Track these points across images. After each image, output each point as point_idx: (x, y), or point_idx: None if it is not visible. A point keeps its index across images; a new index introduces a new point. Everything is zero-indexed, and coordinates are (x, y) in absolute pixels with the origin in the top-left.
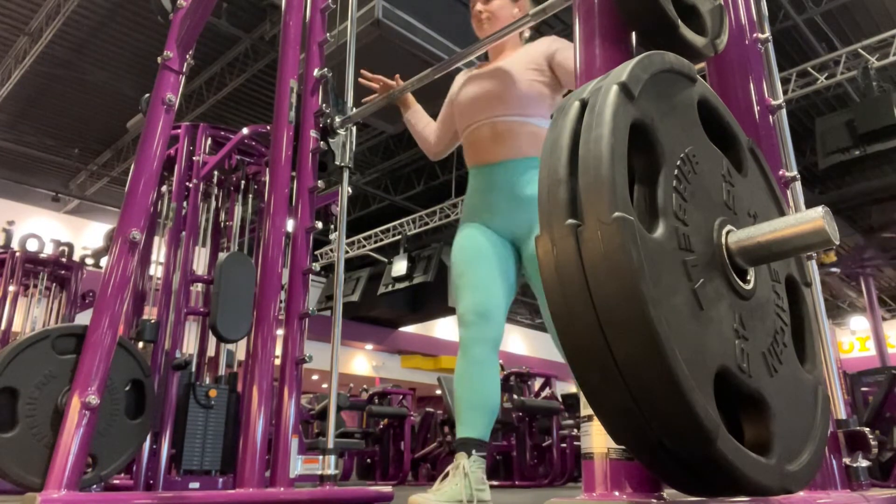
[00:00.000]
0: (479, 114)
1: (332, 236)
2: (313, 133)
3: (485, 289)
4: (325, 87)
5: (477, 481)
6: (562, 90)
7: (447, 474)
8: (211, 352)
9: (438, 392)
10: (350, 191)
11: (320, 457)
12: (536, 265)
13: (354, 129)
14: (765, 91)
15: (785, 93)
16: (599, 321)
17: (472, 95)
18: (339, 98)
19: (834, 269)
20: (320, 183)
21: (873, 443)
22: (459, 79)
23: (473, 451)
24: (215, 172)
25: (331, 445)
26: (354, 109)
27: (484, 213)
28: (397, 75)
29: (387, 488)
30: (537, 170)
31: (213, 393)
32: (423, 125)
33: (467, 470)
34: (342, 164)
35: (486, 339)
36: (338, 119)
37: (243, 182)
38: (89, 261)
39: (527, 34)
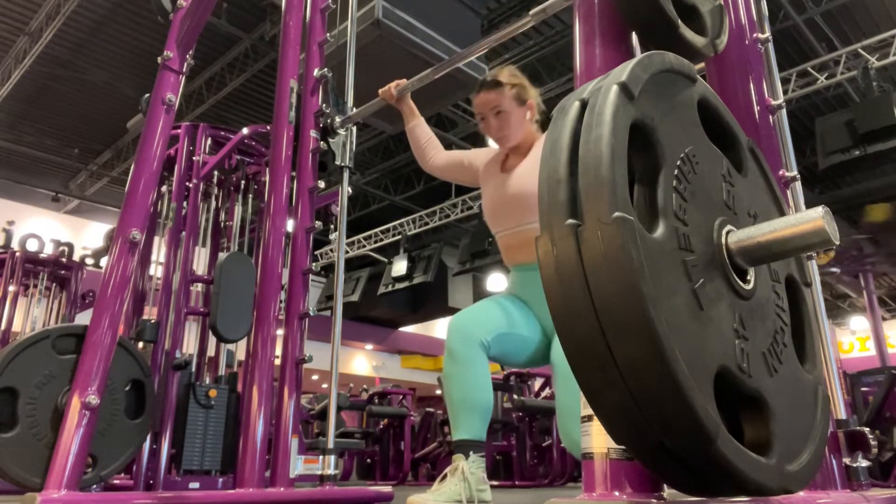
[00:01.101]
0: (507, 221)
1: (332, 236)
2: (313, 133)
3: (485, 315)
4: (325, 87)
5: (477, 481)
6: None
7: (445, 476)
8: (211, 352)
9: (438, 392)
10: (350, 191)
11: (320, 457)
12: (552, 359)
13: (354, 129)
14: (765, 91)
15: (785, 93)
16: (599, 321)
17: (499, 203)
18: (339, 98)
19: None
20: (320, 183)
21: (873, 443)
22: (483, 163)
23: (471, 453)
24: (215, 172)
25: (331, 445)
26: (354, 109)
27: (525, 297)
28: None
29: (387, 488)
30: None
31: (213, 393)
32: (426, 140)
33: (466, 472)
34: (342, 164)
35: (471, 339)
36: (338, 119)
37: (243, 182)
38: (89, 261)
39: (536, 115)
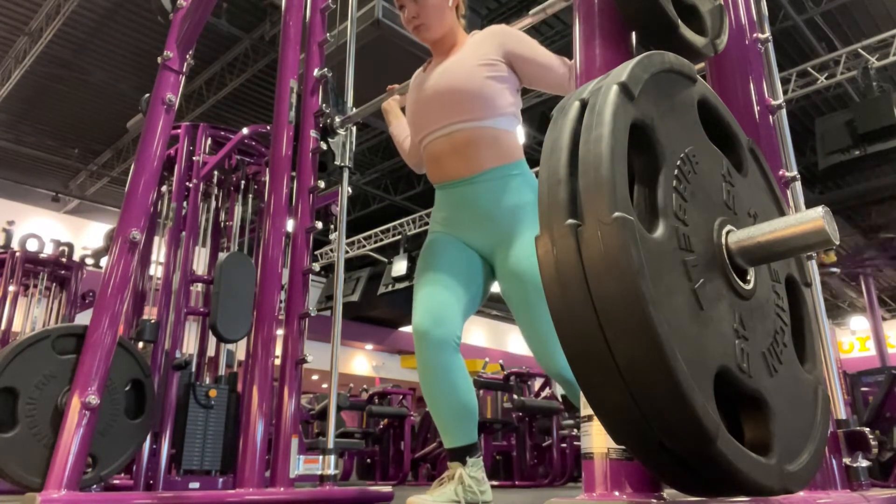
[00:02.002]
0: (432, 123)
1: (332, 236)
2: (313, 133)
3: (438, 297)
4: (325, 86)
5: (477, 483)
6: (519, 85)
7: (444, 480)
8: (211, 352)
9: None
10: (350, 191)
11: (320, 457)
12: (514, 276)
13: (354, 129)
14: (765, 91)
15: (785, 93)
16: (599, 321)
17: (423, 102)
18: (339, 98)
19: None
20: (320, 183)
21: (873, 443)
22: (411, 83)
23: (466, 458)
24: (215, 172)
25: (331, 445)
26: (354, 109)
27: (452, 226)
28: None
29: (387, 488)
30: (504, 180)
31: (213, 393)
32: (403, 137)
33: (465, 477)
34: (342, 164)
35: (441, 344)
36: (338, 119)
37: (243, 182)
38: (89, 261)
39: (463, 10)
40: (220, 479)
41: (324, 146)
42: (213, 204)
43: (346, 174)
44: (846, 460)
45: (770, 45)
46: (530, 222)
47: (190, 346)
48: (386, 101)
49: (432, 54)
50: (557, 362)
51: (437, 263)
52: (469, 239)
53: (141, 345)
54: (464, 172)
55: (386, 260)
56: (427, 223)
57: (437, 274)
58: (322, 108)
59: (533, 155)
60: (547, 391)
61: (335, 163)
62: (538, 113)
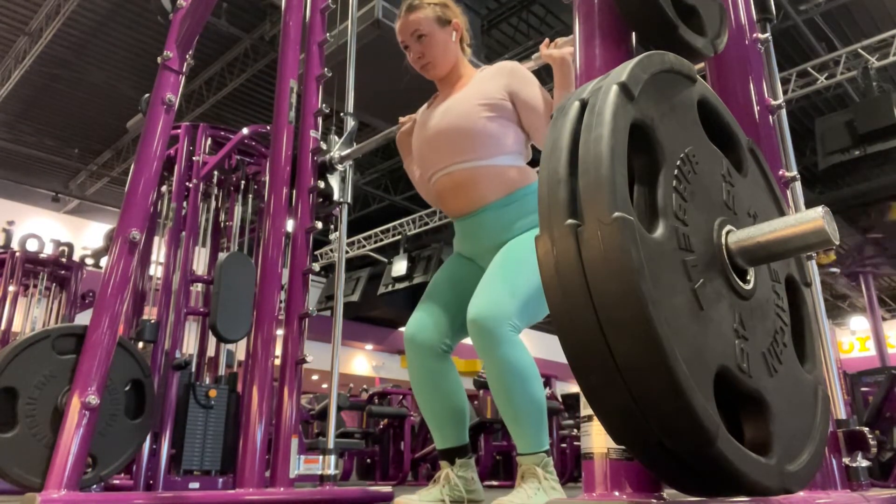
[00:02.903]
0: (437, 163)
1: (332, 236)
2: (313, 133)
3: (430, 307)
4: (320, 120)
5: (465, 482)
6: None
7: (437, 480)
8: (211, 352)
9: None
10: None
11: (320, 457)
12: (499, 252)
13: (351, 167)
14: (765, 91)
15: (785, 93)
16: (599, 321)
17: (427, 141)
18: (337, 129)
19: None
20: (318, 224)
21: (873, 443)
22: (417, 120)
23: (456, 459)
24: (215, 172)
25: (331, 445)
26: (353, 120)
27: (466, 251)
28: (410, 116)
29: (387, 488)
30: (508, 209)
31: (213, 393)
32: (418, 175)
33: (453, 478)
34: (341, 201)
35: (425, 349)
36: (336, 155)
37: (243, 182)
38: (89, 261)
39: (467, 40)
40: (220, 480)
41: (321, 185)
42: (213, 204)
43: (345, 210)
44: (846, 460)
45: (770, 45)
46: (529, 228)
47: (190, 346)
48: (398, 132)
49: (438, 89)
50: (478, 308)
51: (440, 278)
52: (481, 261)
53: (141, 345)
54: (466, 209)
55: (386, 260)
56: (427, 223)
57: (436, 288)
58: (320, 146)
59: (533, 155)
60: (547, 391)
61: (334, 199)
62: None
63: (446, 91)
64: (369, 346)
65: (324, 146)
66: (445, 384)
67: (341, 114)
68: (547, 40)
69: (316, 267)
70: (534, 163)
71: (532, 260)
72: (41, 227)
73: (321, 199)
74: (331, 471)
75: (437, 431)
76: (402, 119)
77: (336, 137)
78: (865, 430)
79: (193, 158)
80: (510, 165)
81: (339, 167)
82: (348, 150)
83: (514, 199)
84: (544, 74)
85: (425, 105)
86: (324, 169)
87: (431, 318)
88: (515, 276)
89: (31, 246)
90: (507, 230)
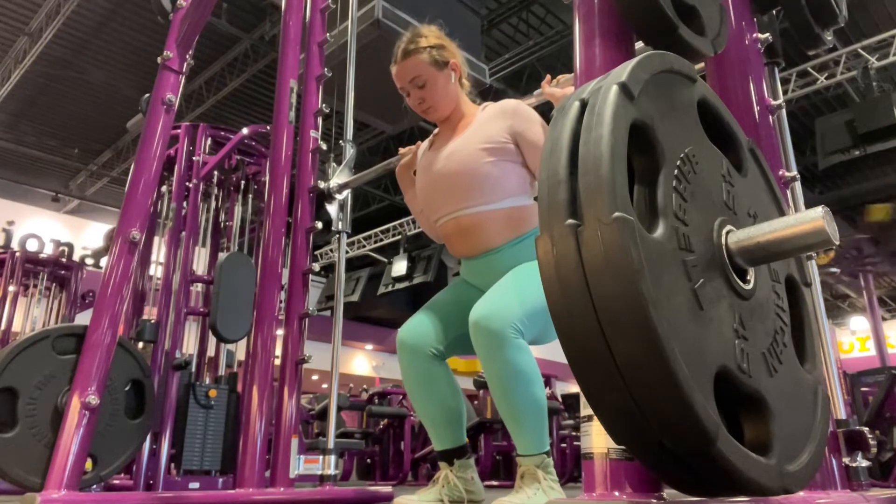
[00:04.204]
0: (442, 207)
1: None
2: (313, 133)
3: (424, 315)
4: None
5: (465, 482)
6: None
7: (435, 482)
8: (211, 352)
9: None
10: (347, 251)
11: (320, 457)
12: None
13: (350, 195)
14: (765, 91)
15: (785, 93)
16: (599, 321)
17: (431, 185)
18: (334, 157)
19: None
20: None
21: (873, 443)
22: (419, 162)
23: (454, 459)
24: (215, 172)
25: (331, 445)
26: (352, 149)
27: (472, 282)
28: (409, 148)
29: (387, 488)
30: (516, 248)
31: (213, 393)
32: (419, 210)
33: (451, 478)
34: (339, 230)
35: (416, 352)
36: (334, 184)
37: (243, 182)
38: (89, 261)
39: (464, 76)
40: (220, 479)
41: (318, 225)
42: (213, 204)
43: (343, 239)
44: (846, 460)
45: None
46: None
47: (190, 346)
48: (397, 164)
49: (438, 128)
50: (482, 310)
51: (443, 297)
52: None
53: (141, 345)
54: (474, 252)
55: (386, 260)
56: None
57: (437, 302)
58: (317, 179)
59: None
60: (547, 391)
61: (332, 229)
62: (538, 113)
63: (448, 132)
64: (369, 346)
65: (322, 184)
66: (438, 386)
67: (339, 141)
68: (549, 77)
69: (316, 267)
70: None
71: (539, 277)
72: (41, 227)
73: (321, 229)
74: (331, 471)
75: (433, 433)
76: (402, 150)
77: (335, 165)
78: (865, 430)
79: (193, 158)
80: (515, 206)
81: (338, 196)
82: (347, 179)
83: (521, 240)
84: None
85: (427, 143)
86: (322, 198)
87: (425, 324)
88: (524, 288)
89: (31, 246)
90: (516, 265)
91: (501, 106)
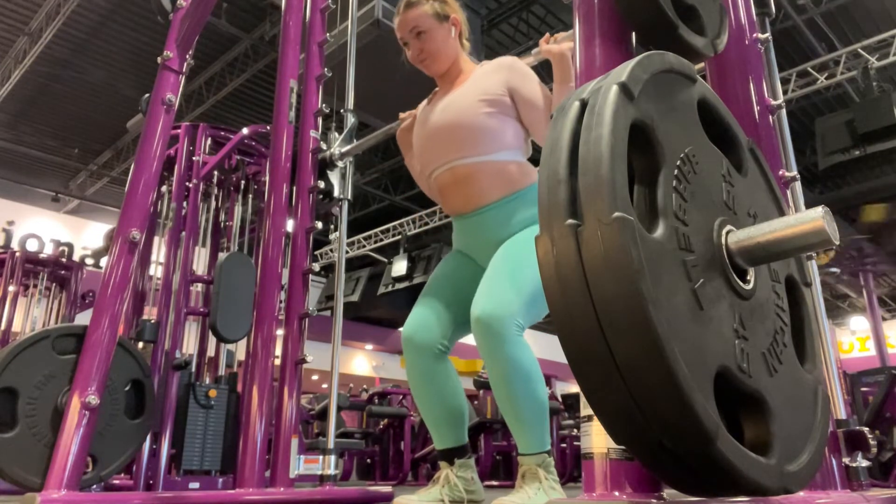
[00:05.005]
0: (437, 159)
1: (332, 236)
2: (313, 133)
3: (427, 307)
4: (320, 120)
5: (465, 482)
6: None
7: (436, 480)
8: (211, 352)
9: None
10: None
11: (320, 457)
12: (499, 249)
13: (351, 163)
14: (765, 91)
15: (785, 93)
16: (599, 321)
17: (427, 137)
18: (336, 127)
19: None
20: (318, 224)
21: (873, 443)
22: (417, 116)
23: (455, 458)
24: (215, 172)
25: (331, 445)
26: (353, 116)
27: (465, 248)
28: (410, 112)
29: (387, 488)
30: (509, 207)
31: (213, 393)
32: (419, 171)
33: (452, 478)
34: (342, 197)
35: (423, 350)
36: (336, 151)
37: (243, 182)
38: (89, 261)
39: (466, 34)
40: (220, 479)
41: (322, 184)
42: (213, 204)
43: (345, 206)
44: (846, 460)
45: (770, 45)
46: (529, 223)
47: (190, 346)
48: (398, 128)
49: (438, 85)
50: (483, 306)
51: (439, 276)
52: (480, 260)
53: (141, 345)
54: (468, 206)
55: (386, 260)
56: (427, 223)
57: (434, 286)
58: (320, 145)
59: (533, 155)
60: (547, 391)
61: (334, 195)
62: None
63: (446, 87)
64: (369, 346)
65: (324, 146)
66: (443, 385)
67: (341, 111)
68: (547, 35)
69: (316, 267)
70: (534, 161)
71: (534, 257)
72: (41, 227)
73: (321, 196)
74: (331, 471)
75: (435, 432)
76: (402, 115)
77: (336, 134)
78: (865, 430)
79: (193, 158)
80: (510, 161)
81: (340, 164)
82: (348, 147)
83: (513, 199)
84: (543, 73)
85: (425, 101)
86: (324, 166)
87: (430, 317)
88: (519, 273)
89: (31, 246)
90: (507, 225)
91: (499, 61)
